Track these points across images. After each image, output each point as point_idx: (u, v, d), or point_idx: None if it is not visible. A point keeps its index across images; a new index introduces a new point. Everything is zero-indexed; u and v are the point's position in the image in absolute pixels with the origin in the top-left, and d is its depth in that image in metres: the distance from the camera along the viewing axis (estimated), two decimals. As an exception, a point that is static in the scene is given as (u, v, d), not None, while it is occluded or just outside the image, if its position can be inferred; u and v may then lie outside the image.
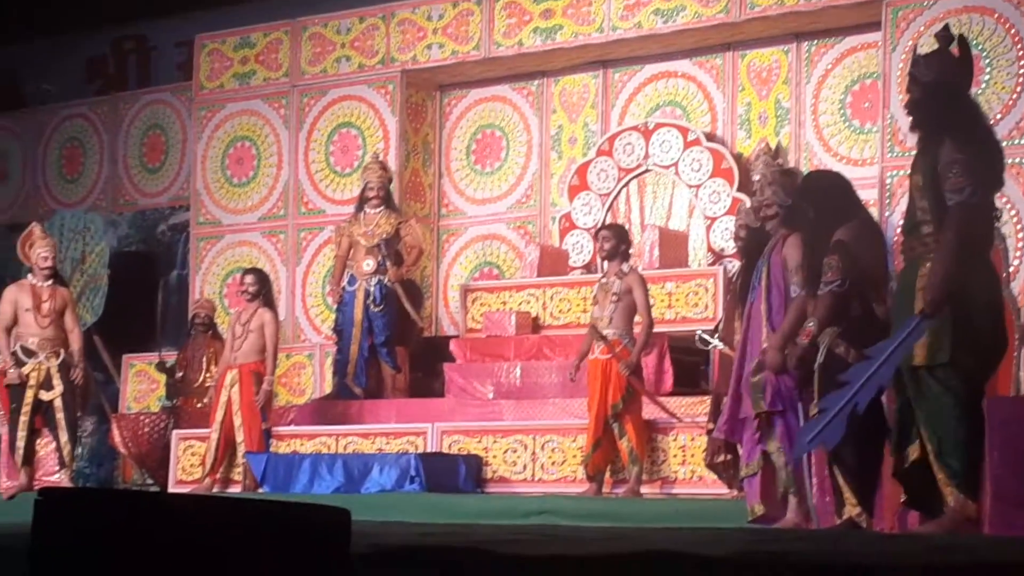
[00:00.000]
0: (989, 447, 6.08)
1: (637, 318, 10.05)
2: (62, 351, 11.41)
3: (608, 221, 11.83)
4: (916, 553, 4.31)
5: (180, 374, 12.48)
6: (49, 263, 11.51)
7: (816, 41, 12.00)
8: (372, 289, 11.93)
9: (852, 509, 6.74)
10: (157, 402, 13.28)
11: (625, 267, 10.08)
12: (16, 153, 16.03)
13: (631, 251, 10.38)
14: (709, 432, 8.88)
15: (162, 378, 12.80)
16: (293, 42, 13.81)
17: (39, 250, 11.54)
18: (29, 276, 11.58)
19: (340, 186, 13.51)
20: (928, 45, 6.60)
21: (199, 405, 12.15)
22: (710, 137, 12.27)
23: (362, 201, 12.20)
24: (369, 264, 11.94)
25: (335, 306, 12.21)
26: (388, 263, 11.92)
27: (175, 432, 11.91)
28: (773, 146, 11.36)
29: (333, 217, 13.43)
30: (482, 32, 12.87)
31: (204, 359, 12.43)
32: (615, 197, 12.54)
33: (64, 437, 11.34)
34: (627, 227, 11.46)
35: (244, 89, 14.04)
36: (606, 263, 10.18)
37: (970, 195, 6.03)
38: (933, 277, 6.02)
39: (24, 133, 16.01)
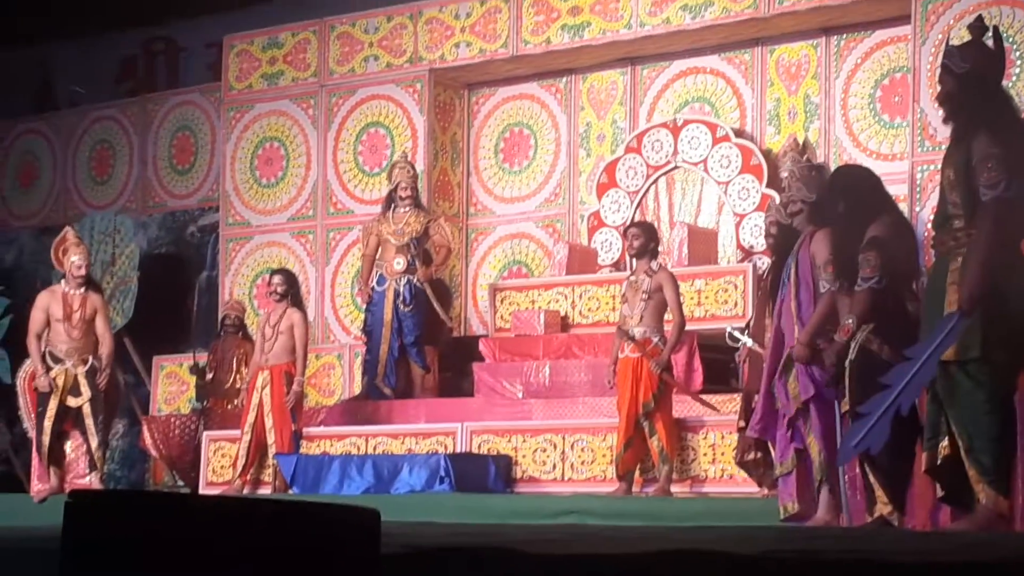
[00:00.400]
0: (1021, 443, 6.03)
1: (668, 315, 10.01)
2: (90, 358, 11.43)
3: (637, 219, 11.78)
4: (948, 551, 4.28)
5: (210, 376, 12.49)
6: (83, 271, 11.55)
7: (845, 35, 11.94)
8: (402, 289, 11.94)
9: (884, 507, 6.71)
10: (187, 404, 13.31)
11: (655, 265, 10.02)
12: (46, 155, 16.10)
13: (660, 248, 10.35)
14: (740, 430, 8.86)
15: (192, 380, 12.82)
16: (321, 42, 13.82)
17: (73, 257, 11.57)
18: (62, 282, 11.62)
19: (369, 186, 13.51)
20: (961, 36, 6.52)
21: (230, 407, 12.16)
22: (739, 133, 12.23)
23: (390, 200, 12.21)
24: (400, 263, 11.95)
25: (364, 306, 12.22)
26: (417, 262, 11.93)
27: (206, 434, 11.93)
28: (801, 141, 11.30)
29: (362, 217, 13.44)
30: (510, 30, 12.85)
31: (234, 360, 12.45)
32: (644, 194, 12.51)
33: (94, 441, 11.38)
34: (656, 224, 11.43)
35: (273, 89, 14.07)
36: (635, 261, 10.12)
37: (1004, 189, 5.97)
38: (969, 273, 5.96)
39: (54, 135, 16.08)
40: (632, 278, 10.05)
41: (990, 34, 6.38)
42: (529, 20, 12.78)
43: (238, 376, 12.38)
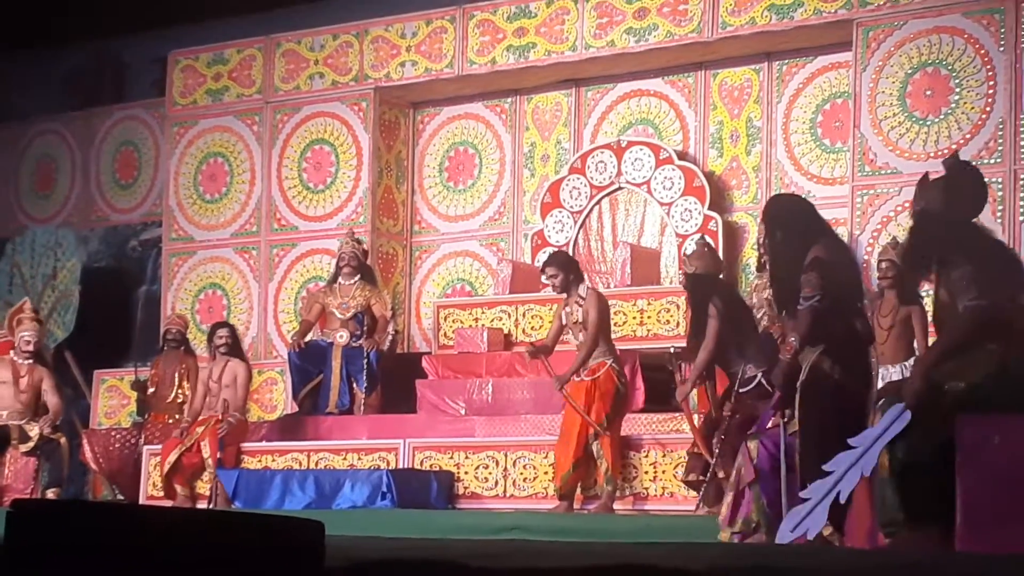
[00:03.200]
0: (960, 465, 6.11)
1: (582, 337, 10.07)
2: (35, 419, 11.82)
3: (559, 246, 11.71)
4: (891, 568, 4.33)
5: (152, 390, 12.43)
6: (31, 347, 11.94)
7: (787, 60, 12.07)
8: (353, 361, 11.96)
9: (824, 529, 6.76)
10: (128, 418, 13.24)
11: (583, 291, 9.99)
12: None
13: (583, 273, 10.30)
14: (694, 454, 9.04)
15: (133, 394, 12.76)
16: (266, 59, 13.81)
17: (24, 333, 11.97)
18: (12, 352, 12.02)
19: (313, 203, 13.50)
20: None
21: (170, 421, 12.11)
22: (682, 156, 12.32)
23: (336, 272, 12.28)
24: (343, 336, 12.01)
25: (291, 352, 12.17)
26: (363, 334, 11.95)
27: (146, 448, 11.87)
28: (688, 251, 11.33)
29: (306, 233, 13.44)
30: (455, 50, 12.89)
31: (176, 375, 12.40)
32: (587, 215, 12.57)
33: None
34: (568, 251, 11.57)
35: (217, 105, 14.03)
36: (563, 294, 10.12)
37: (975, 298, 6.03)
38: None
39: (-4, 148, 15.95)
40: (567, 310, 10.05)
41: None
42: (475, 40, 12.83)
43: (179, 391, 12.34)
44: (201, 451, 11.29)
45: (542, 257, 12.61)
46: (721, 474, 8.57)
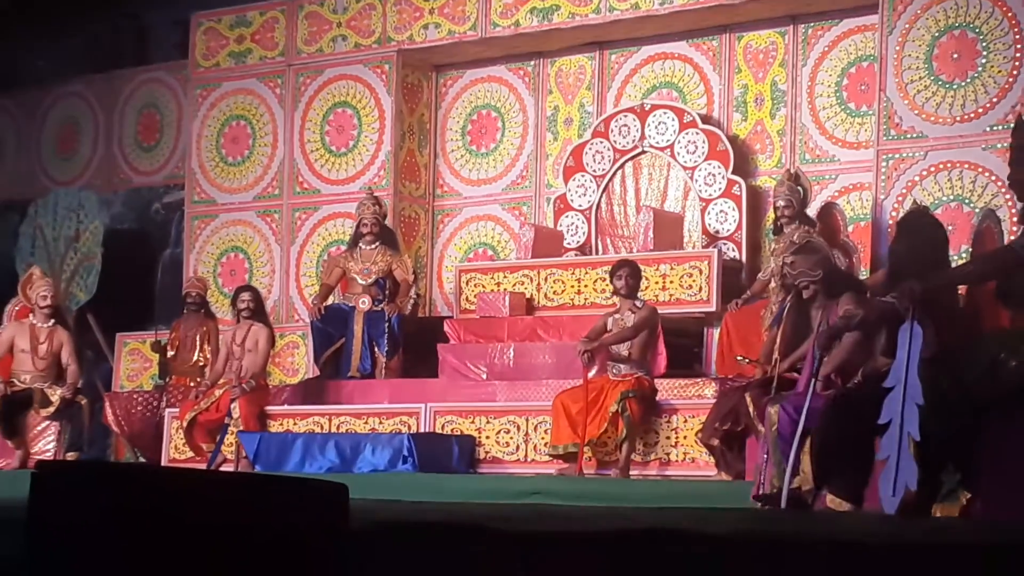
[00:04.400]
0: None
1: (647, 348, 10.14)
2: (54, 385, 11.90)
3: (622, 259, 11.15)
4: (915, 534, 4.32)
5: (172, 353, 12.46)
6: (48, 303, 12.00)
7: (813, 23, 11.98)
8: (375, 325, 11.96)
9: (839, 505, 6.72)
10: (150, 381, 13.28)
11: (639, 302, 10.19)
12: (10, 132, 16.00)
13: (627, 234, 10.35)
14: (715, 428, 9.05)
15: (155, 357, 12.79)
16: (289, 21, 13.77)
17: (38, 290, 12.09)
18: (31, 316, 12.08)
19: (335, 166, 13.49)
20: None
21: (192, 384, 12.14)
22: (706, 119, 12.26)
23: (356, 237, 12.25)
24: (364, 302, 12.00)
25: (313, 319, 12.18)
26: (385, 299, 11.93)
27: (167, 411, 11.90)
28: (794, 171, 11.27)
29: (328, 197, 13.42)
30: (479, 12, 12.84)
31: (197, 338, 12.43)
32: (610, 179, 12.53)
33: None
34: (623, 211, 11.44)
35: (240, 68, 14.01)
36: (620, 300, 10.20)
37: None
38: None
39: (19, 112, 15.97)
40: (617, 315, 10.14)
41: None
42: (498, 3, 12.76)
43: (200, 354, 12.37)
44: (219, 408, 11.32)
45: (564, 221, 12.61)
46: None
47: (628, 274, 10.16)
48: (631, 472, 9.95)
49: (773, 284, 10.69)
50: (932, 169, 10.84)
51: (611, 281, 10.36)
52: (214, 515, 3.33)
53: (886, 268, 7.99)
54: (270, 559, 3.29)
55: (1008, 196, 10.09)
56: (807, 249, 8.68)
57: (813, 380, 7.24)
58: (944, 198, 10.73)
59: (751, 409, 8.66)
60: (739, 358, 9.84)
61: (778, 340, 8.73)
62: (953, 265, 7.93)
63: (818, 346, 7.32)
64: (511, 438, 10.69)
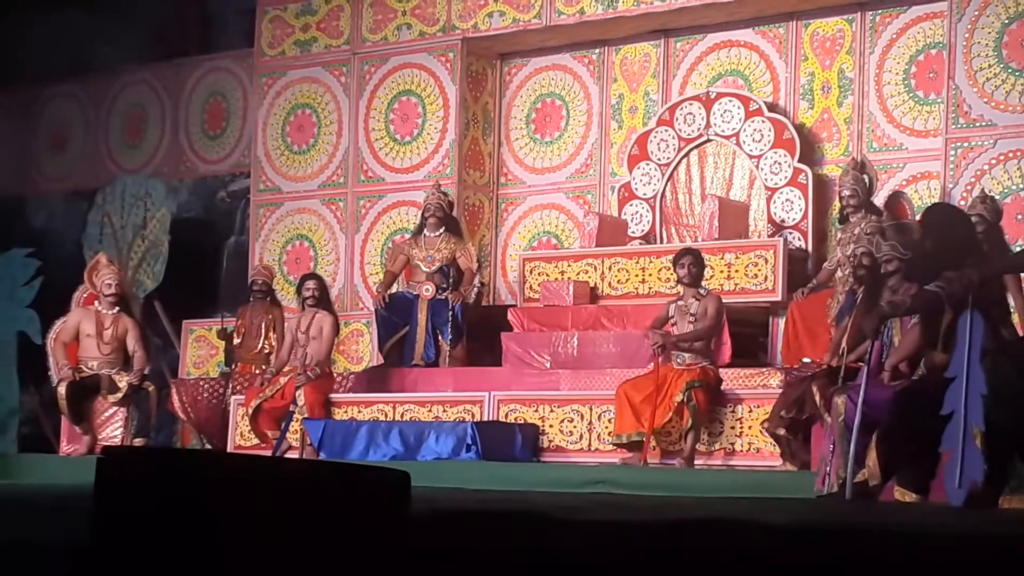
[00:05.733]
0: None
1: (715, 339, 10.14)
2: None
3: (686, 248, 11.32)
4: (981, 525, 4.27)
5: (238, 340, 12.53)
6: (113, 290, 12.08)
7: (880, 11, 11.87)
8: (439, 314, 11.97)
9: (906, 496, 6.67)
10: (216, 368, 13.36)
11: (703, 289, 10.21)
12: (78, 118, 16.13)
13: (692, 222, 10.33)
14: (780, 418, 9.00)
15: (221, 344, 12.87)
16: (354, 9, 13.80)
17: (104, 278, 12.15)
18: (96, 303, 12.16)
19: (400, 154, 13.51)
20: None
21: (257, 371, 12.20)
22: (772, 107, 12.17)
23: (421, 224, 12.28)
24: (428, 290, 12.01)
25: (378, 307, 12.20)
26: (449, 287, 11.94)
27: (233, 398, 11.97)
28: (860, 159, 11.20)
29: (392, 185, 13.45)
30: (543, 0, 12.81)
31: (262, 325, 12.48)
32: (675, 167, 12.47)
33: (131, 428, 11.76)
34: (689, 200, 11.36)
35: (305, 56, 14.06)
36: (683, 288, 10.21)
37: None
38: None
39: (86, 98, 16.10)
40: (680, 303, 10.16)
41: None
42: (563, -10, 12.73)
43: (266, 341, 12.42)
44: (284, 396, 11.38)
45: (629, 210, 12.56)
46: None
47: (691, 263, 10.13)
48: (696, 462, 9.92)
49: (839, 274, 10.63)
50: (1001, 158, 10.71)
51: (674, 269, 10.32)
52: (276, 502, 3.34)
53: (901, 264, 7.92)
54: (333, 546, 3.30)
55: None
56: (903, 228, 8.57)
57: (866, 368, 7.19)
58: (1013, 187, 10.62)
59: (818, 399, 8.61)
60: (805, 360, 9.80)
61: (848, 332, 8.68)
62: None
63: (867, 330, 7.28)
64: (574, 427, 10.68)
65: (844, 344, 8.54)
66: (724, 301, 10.38)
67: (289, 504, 3.37)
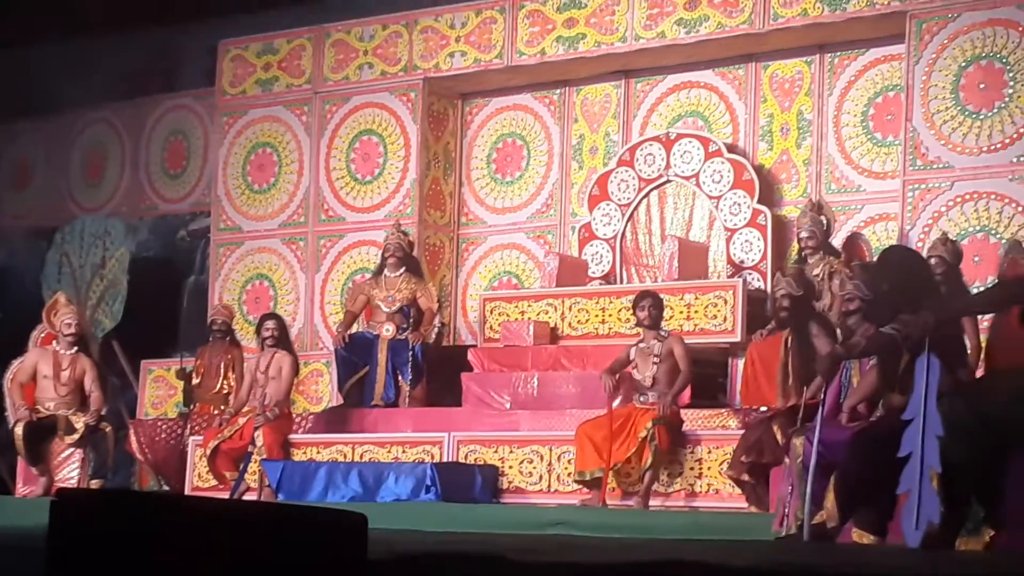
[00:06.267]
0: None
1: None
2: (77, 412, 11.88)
3: (644, 290, 11.17)
4: (937, 567, 4.27)
5: (197, 380, 12.46)
6: (72, 330, 11.98)
7: (839, 53, 11.96)
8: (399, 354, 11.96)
9: (864, 537, 6.68)
10: (175, 408, 13.28)
11: (663, 331, 10.27)
12: (40, 157, 16.07)
13: (651, 263, 10.37)
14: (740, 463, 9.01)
15: (180, 384, 12.79)
16: (316, 49, 13.82)
17: (63, 317, 12.05)
18: (54, 343, 12.06)
19: (361, 194, 13.50)
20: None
21: (216, 411, 12.14)
22: (731, 148, 12.24)
23: (381, 264, 12.29)
24: (388, 330, 12.00)
25: (337, 348, 12.17)
26: (409, 327, 11.93)
27: (191, 439, 11.90)
28: (816, 201, 11.27)
29: (353, 225, 13.44)
30: (505, 40, 12.86)
31: (221, 365, 12.42)
32: (635, 208, 12.51)
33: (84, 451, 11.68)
34: (648, 240, 11.39)
35: (267, 95, 14.06)
36: (644, 330, 10.26)
37: None
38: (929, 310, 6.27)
39: (47, 138, 16.04)
40: (642, 345, 10.19)
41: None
42: (524, 31, 12.78)
43: (225, 381, 12.36)
44: (242, 436, 11.33)
45: (589, 250, 12.58)
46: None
47: (651, 305, 10.18)
48: (655, 502, 9.91)
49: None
50: (958, 199, 10.80)
51: (634, 312, 10.36)
52: (232, 544, 3.31)
53: (862, 304, 7.95)
54: (288, 590, 3.27)
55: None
56: (869, 268, 8.58)
57: (821, 408, 7.20)
58: (970, 229, 10.69)
59: (779, 438, 8.63)
60: (762, 408, 9.85)
61: (792, 376, 8.74)
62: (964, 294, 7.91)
63: (819, 371, 7.31)
64: (534, 468, 10.66)
65: (791, 385, 8.59)
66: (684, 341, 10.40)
67: (245, 547, 3.35)
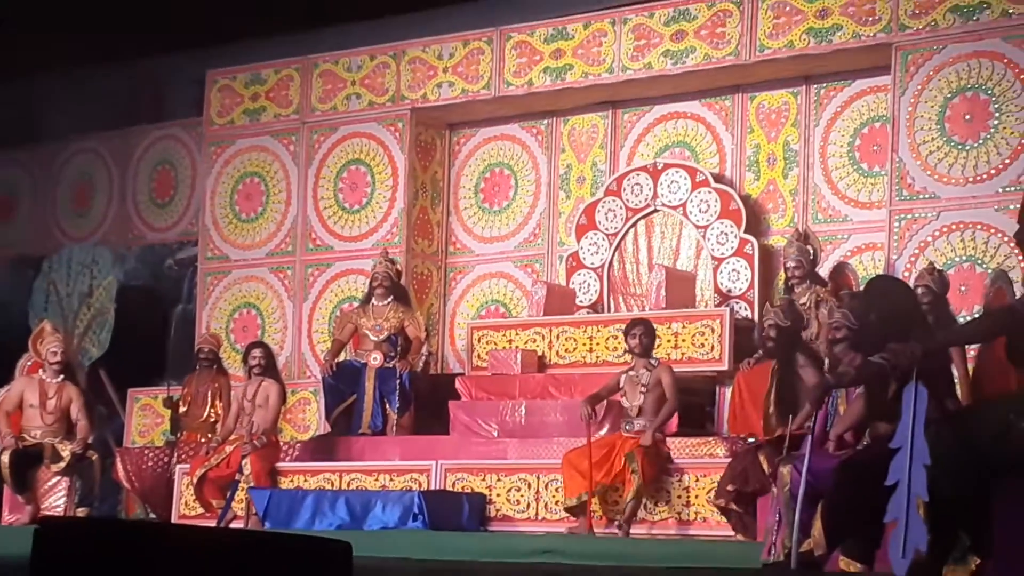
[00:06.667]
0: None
1: None
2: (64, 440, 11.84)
3: (636, 318, 11.20)
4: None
5: (184, 408, 12.44)
6: (58, 357, 11.95)
7: (826, 84, 12.01)
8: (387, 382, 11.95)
9: (851, 566, 6.68)
10: (162, 436, 13.26)
11: (653, 360, 10.26)
12: (26, 187, 16.07)
13: (639, 292, 10.39)
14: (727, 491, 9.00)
15: (167, 412, 12.77)
16: (304, 79, 13.85)
17: (49, 345, 12.00)
18: (41, 371, 12.03)
19: (348, 223, 13.52)
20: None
21: (203, 440, 12.11)
22: (718, 178, 12.28)
23: (369, 293, 12.30)
24: (376, 358, 12.00)
25: (325, 376, 12.17)
26: (397, 356, 11.93)
27: (178, 467, 11.87)
28: (803, 231, 11.30)
29: (341, 254, 13.45)
30: (492, 71, 12.90)
31: (208, 393, 12.40)
32: (623, 237, 12.54)
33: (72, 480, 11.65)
34: (636, 270, 11.42)
35: (254, 125, 14.08)
36: (634, 358, 10.27)
37: None
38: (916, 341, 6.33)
39: (34, 167, 16.05)
40: (632, 373, 10.20)
41: None
42: (512, 62, 12.83)
43: (212, 410, 12.34)
44: (229, 464, 11.31)
45: (576, 279, 12.60)
46: None
47: (643, 333, 10.20)
48: (642, 530, 9.91)
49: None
50: (945, 230, 10.83)
51: (625, 340, 10.37)
52: (217, 572, 3.31)
53: (849, 333, 7.97)
54: (272, 617, 3.27)
55: (1021, 257, 10.09)
56: (858, 297, 8.59)
57: (810, 438, 7.22)
58: (957, 259, 10.72)
59: (765, 467, 8.64)
60: (750, 440, 9.85)
61: (774, 405, 8.76)
62: (952, 325, 7.93)
63: (810, 400, 7.32)
64: (522, 496, 10.65)
65: (775, 415, 8.62)
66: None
67: (230, 574, 3.34)
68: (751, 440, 9.68)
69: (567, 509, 10.08)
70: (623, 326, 10.67)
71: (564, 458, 10.06)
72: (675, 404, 10.15)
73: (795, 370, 9.44)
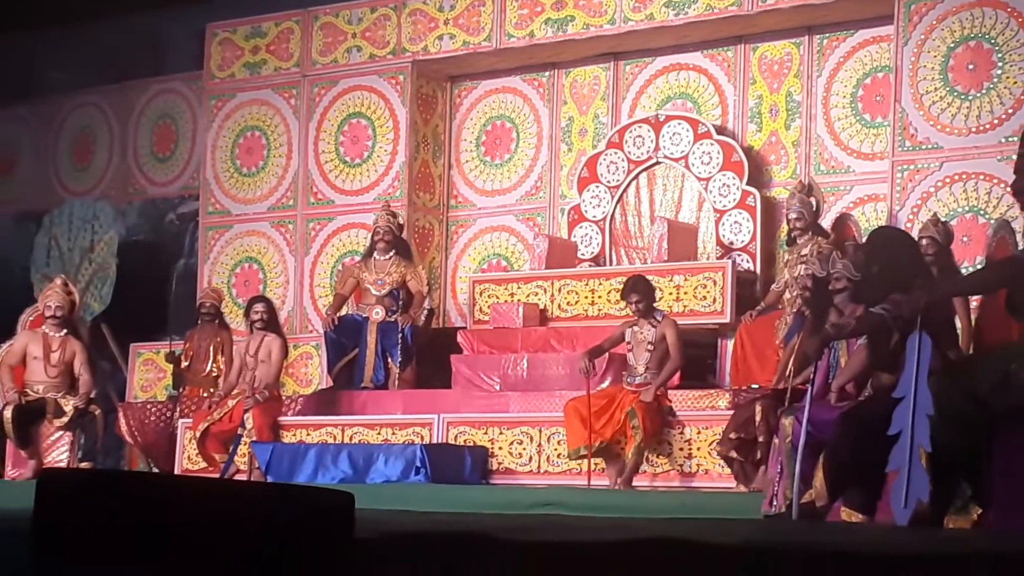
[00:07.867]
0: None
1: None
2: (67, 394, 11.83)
3: (632, 279, 10.64)
4: (926, 544, 4.28)
5: (186, 363, 12.46)
6: (54, 312, 11.88)
7: (828, 34, 11.95)
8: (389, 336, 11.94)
9: (852, 516, 6.69)
10: (164, 391, 13.27)
11: (658, 316, 10.16)
12: (26, 141, 16.03)
13: (642, 245, 10.35)
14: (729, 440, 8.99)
15: (169, 367, 12.79)
16: (304, 32, 13.78)
17: (48, 300, 11.97)
18: (44, 325, 12.01)
19: (350, 176, 13.48)
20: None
21: (205, 394, 12.13)
22: (720, 130, 12.23)
23: (371, 247, 12.26)
24: (378, 313, 11.98)
25: (327, 330, 12.16)
26: (399, 310, 11.91)
27: (181, 421, 11.90)
28: (807, 183, 11.25)
29: (342, 207, 13.42)
30: (493, 23, 12.84)
31: (210, 348, 12.42)
32: (624, 189, 12.50)
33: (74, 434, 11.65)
34: (638, 220, 11.39)
35: (255, 79, 14.03)
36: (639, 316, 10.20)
37: None
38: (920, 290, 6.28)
39: (35, 122, 16.01)
40: (636, 329, 10.11)
41: None
42: (513, 13, 12.76)
43: (214, 364, 12.36)
44: (232, 419, 11.32)
45: (578, 232, 12.57)
46: None
47: (638, 299, 10.10)
48: (645, 482, 9.93)
49: (787, 295, 10.69)
50: (947, 180, 10.80)
51: (624, 302, 10.33)
52: (219, 523, 3.31)
53: (850, 284, 7.93)
54: (275, 568, 3.27)
55: (1021, 208, 10.05)
56: (861, 248, 8.57)
57: (811, 388, 7.22)
58: (959, 209, 10.70)
59: (757, 419, 8.65)
60: (753, 386, 9.84)
61: (794, 354, 8.71)
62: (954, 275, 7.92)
63: (809, 351, 7.31)
64: (524, 449, 10.66)
65: (791, 366, 8.57)
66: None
67: (232, 526, 3.34)
68: (754, 387, 9.69)
69: (572, 458, 10.08)
70: (624, 279, 10.64)
71: (566, 406, 10.06)
72: (679, 362, 10.10)
73: (824, 324, 9.36)
